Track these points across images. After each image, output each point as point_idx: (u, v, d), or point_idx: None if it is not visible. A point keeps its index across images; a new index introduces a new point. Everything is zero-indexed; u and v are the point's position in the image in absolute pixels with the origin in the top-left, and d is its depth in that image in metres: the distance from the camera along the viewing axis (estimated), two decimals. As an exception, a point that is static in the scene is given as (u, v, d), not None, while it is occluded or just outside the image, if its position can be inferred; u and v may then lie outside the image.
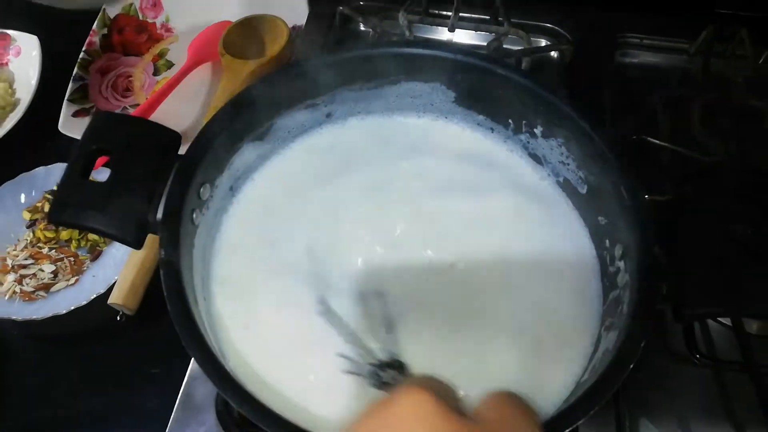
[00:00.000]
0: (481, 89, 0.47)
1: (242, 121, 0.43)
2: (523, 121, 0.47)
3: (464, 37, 0.73)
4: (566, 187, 0.47)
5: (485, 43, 0.69)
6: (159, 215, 0.37)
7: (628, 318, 0.34)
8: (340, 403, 0.38)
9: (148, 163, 0.37)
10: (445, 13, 0.71)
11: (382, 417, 0.27)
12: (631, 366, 0.33)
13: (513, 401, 0.30)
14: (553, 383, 0.37)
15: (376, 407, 0.27)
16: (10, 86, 0.77)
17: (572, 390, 0.35)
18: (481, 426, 0.27)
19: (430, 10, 0.71)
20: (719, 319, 0.54)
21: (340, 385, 0.38)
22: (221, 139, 0.41)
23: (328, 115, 0.50)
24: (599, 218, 0.43)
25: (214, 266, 0.42)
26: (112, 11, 0.81)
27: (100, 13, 0.80)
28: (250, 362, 0.39)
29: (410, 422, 0.26)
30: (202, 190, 0.40)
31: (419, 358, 0.39)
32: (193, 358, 0.49)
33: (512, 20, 0.69)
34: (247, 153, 0.45)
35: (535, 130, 0.46)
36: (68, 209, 0.36)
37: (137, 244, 0.37)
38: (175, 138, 0.39)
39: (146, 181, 0.37)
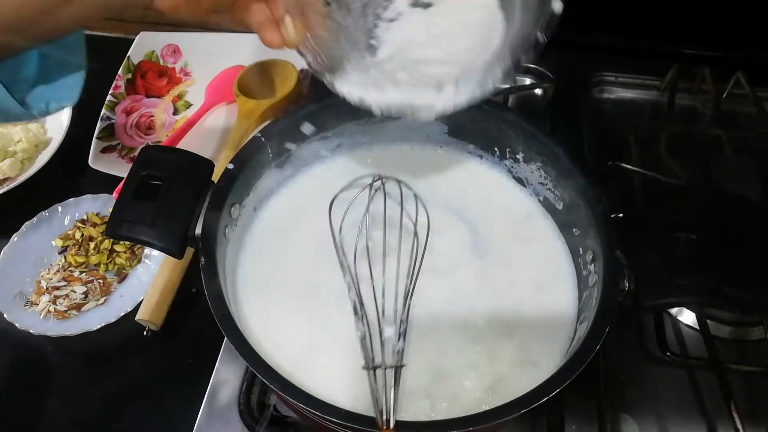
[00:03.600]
0: (469, 123, 0.55)
1: (266, 152, 0.50)
2: (507, 149, 0.54)
3: (456, 77, 0.81)
4: (546, 204, 0.54)
5: (475, 83, 0.77)
6: (198, 230, 0.43)
7: (596, 310, 0.41)
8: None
9: (189, 186, 0.44)
10: (438, 56, 0.79)
11: None
12: (598, 347, 0.38)
13: None
14: (537, 368, 0.43)
15: None
16: (43, 126, 0.84)
17: (553, 372, 0.41)
18: None
19: (426, 55, 0.79)
20: (688, 323, 0.60)
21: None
22: (249, 166, 0.48)
23: (338, 146, 0.57)
24: (573, 230, 0.50)
25: (239, 272, 0.49)
26: (136, 58, 0.89)
27: (125, 60, 0.88)
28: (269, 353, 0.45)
29: None
30: (232, 209, 0.47)
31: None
32: (218, 362, 0.56)
33: (499, 62, 0.77)
34: (269, 178, 0.52)
35: (517, 156, 0.54)
36: (124, 225, 0.42)
37: (179, 254, 0.43)
38: (210, 166, 0.46)
39: (188, 201, 0.44)
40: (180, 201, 0.43)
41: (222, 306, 0.40)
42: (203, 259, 0.41)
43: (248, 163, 0.48)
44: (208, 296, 0.39)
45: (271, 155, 0.51)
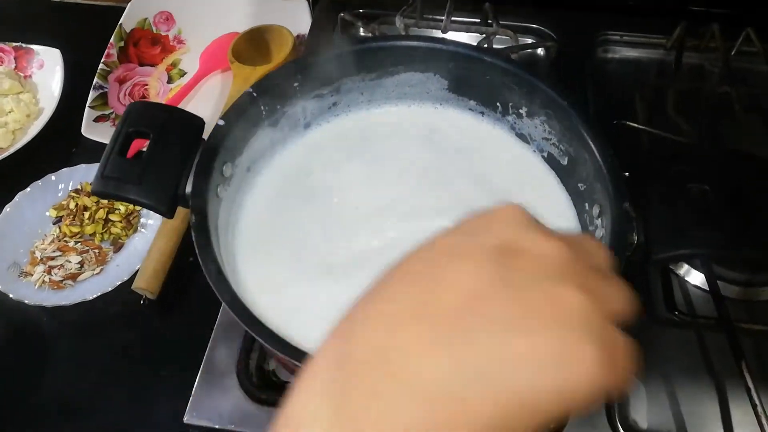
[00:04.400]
0: (471, 77, 0.53)
1: (258, 108, 0.48)
2: (510, 104, 0.52)
3: (456, 38, 0.77)
4: (550, 160, 0.52)
5: (476, 43, 0.74)
6: (188, 189, 0.42)
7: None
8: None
9: (178, 143, 0.42)
10: (438, 17, 0.76)
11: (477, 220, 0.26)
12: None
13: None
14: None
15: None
16: (34, 96, 0.82)
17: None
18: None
19: (425, 15, 0.76)
20: (696, 283, 0.58)
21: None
22: (241, 123, 0.46)
23: (334, 104, 0.55)
24: (579, 185, 0.48)
25: (233, 233, 0.47)
26: (128, 25, 0.86)
27: (117, 28, 0.85)
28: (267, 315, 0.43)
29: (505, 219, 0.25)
30: (224, 168, 0.45)
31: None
32: (215, 329, 0.54)
33: (500, 22, 0.74)
34: (262, 138, 0.50)
35: (520, 110, 0.52)
36: (110, 182, 0.40)
37: (169, 213, 0.42)
38: (200, 123, 0.44)
39: (177, 159, 0.42)
40: (169, 158, 0.42)
41: (214, 265, 0.38)
42: (194, 218, 0.40)
43: (240, 119, 0.46)
44: (199, 255, 0.38)
45: (264, 112, 0.49)
